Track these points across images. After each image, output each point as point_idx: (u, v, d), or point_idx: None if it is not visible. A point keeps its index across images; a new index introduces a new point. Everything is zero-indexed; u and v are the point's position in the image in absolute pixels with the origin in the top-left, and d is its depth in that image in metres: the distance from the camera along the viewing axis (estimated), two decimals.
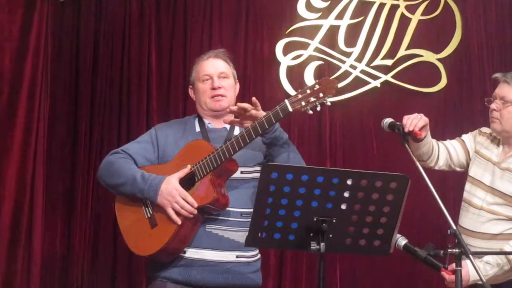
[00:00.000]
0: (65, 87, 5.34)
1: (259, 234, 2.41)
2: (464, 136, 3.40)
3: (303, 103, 2.74)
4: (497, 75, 3.27)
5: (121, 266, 5.03)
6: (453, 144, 3.37)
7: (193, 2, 5.27)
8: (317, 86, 2.73)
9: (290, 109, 2.75)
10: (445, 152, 3.33)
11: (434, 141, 3.26)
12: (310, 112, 2.76)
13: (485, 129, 3.37)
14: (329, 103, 2.75)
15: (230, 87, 3.16)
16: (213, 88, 3.10)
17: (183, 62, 5.19)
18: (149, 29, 5.28)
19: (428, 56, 4.89)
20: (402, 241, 2.55)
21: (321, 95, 2.72)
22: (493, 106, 3.20)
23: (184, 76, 5.14)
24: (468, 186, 3.29)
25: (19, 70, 5.17)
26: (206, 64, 3.17)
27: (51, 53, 5.34)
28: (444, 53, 4.87)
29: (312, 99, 2.73)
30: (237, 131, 3.14)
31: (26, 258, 5.01)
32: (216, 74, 3.12)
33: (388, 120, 2.92)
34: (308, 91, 2.74)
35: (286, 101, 2.77)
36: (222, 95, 3.11)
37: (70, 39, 5.38)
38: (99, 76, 5.31)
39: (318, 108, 2.75)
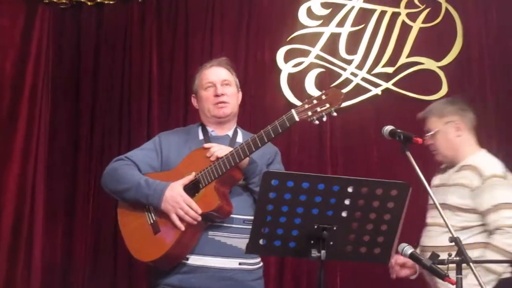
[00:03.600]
0: (66, 93, 5.35)
1: (260, 241, 2.41)
2: None
3: (309, 113, 2.75)
4: (419, 115, 3.56)
5: (122, 273, 5.02)
6: None
7: (194, 9, 5.27)
8: (323, 97, 2.75)
9: (297, 119, 2.77)
10: None
11: None
12: (316, 122, 2.78)
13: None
14: (335, 114, 2.76)
15: (232, 94, 3.18)
16: (216, 95, 3.11)
17: (184, 69, 5.19)
18: (150, 36, 5.29)
19: (429, 64, 4.89)
20: (408, 249, 2.55)
21: (327, 105, 2.73)
22: (428, 142, 3.46)
23: (185, 83, 5.14)
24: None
25: (20, 76, 5.18)
26: (209, 72, 3.19)
27: (52, 59, 5.35)
28: (445, 61, 4.87)
29: (319, 109, 2.74)
30: (240, 138, 3.17)
31: (26, 265, 5.01)
32: (219, 81, 3.14)
33: (388, 128, 2.92)
34: (315, 102, 2.75)
35: (293, 110, 2.79)
36: (225, 102, 3.12)
37: (71, 45, 5.39)
38: (100, 83, 5.32)
39: (325, 119, 2.76)
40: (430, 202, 3.44)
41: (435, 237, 3.33)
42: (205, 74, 3.20)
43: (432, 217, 3.40)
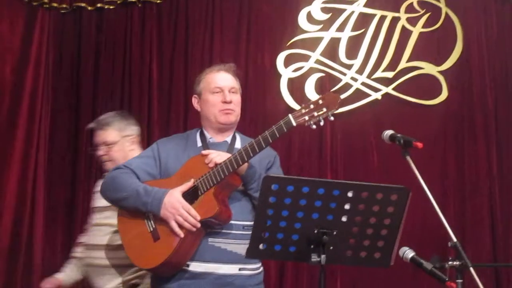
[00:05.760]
0: (66, 97, 5.35)
1: (260, 246, 2.41)
2: None
3: (306, 118, 2.74)
4: (91, 125, 3.80)
5: None
6: None
7: (195, 13, 5.28)
8: (320, 101, 2.73)
9: (294, 124, 2.76)
10: None
11: None
12: (314, 126, 2.76)
13: None
14: (332, 118, 2.75)
15: (238, 103, 3.17)
16: (225, 102, 3.09)
17: (184, 74, 5.20)
18: (150, 40, 5.30)
19: (429, 68, 4.90)
20: (409, 253, 2.54)
21: (324, 109, 2.72)
22: (100, 153, 3.68)
23: (185, 87, 5.14)
24: None
25: (20, 80, 5.19)
26: (217, 77, 3.15)
27: (52, 63, 5.35)
28: (445, 66, 4.87)
29: (316, 114, 2.73)
30: (238, 144, 3.15)
31: (26, 269, 5.01)
32: (227, 87, 3.12)
33: (388, 132, 2.92)
34: (312, 106, 2.74)
35: (290, 115, 2.77)
36: (232, 109, 3.11)
37: (71, 49, 5.40)
38: (100, 87, 5.32)
39: (322, 123, 2.75)
40: (98, 205, 3.66)
41: (103, 236, 3.51)
42: (213, 78, 3.15)
43: (104, 218, 3.55)
